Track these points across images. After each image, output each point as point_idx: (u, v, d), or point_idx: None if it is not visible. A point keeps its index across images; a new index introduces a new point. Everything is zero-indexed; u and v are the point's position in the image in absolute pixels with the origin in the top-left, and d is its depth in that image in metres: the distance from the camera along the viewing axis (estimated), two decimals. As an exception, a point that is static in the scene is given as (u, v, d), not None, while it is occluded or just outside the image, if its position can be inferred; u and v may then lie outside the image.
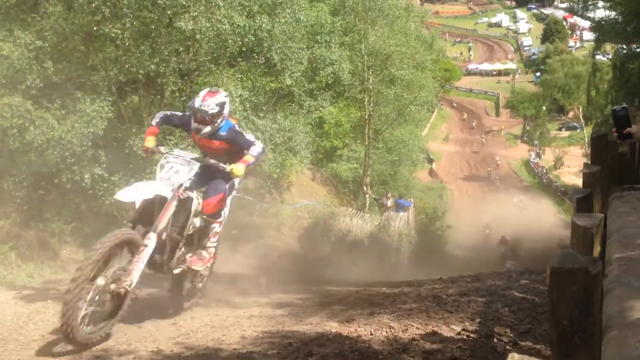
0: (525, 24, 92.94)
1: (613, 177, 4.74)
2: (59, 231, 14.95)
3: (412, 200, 28.77)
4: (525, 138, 62.96)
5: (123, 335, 6.26)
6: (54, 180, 14.87)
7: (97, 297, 5.39)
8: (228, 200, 6.79)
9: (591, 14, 39.15)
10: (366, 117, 27.43)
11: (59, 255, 14.65)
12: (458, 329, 5.67)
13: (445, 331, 5.63)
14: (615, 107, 4.41)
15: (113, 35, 14.79)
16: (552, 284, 2.11)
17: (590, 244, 2.83)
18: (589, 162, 5.05)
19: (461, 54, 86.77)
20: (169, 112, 7.02)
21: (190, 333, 6.26)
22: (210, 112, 6.24)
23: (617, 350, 1.88)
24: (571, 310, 2.08)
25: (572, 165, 51.24)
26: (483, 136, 58.53)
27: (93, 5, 14.39)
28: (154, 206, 5.95)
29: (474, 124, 65.77)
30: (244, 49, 16.68)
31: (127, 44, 14.97)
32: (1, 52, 14.31)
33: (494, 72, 79.86)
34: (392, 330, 5.69)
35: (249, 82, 17.57)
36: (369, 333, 5.64)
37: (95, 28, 14.79)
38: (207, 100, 6.24)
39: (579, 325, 2.06)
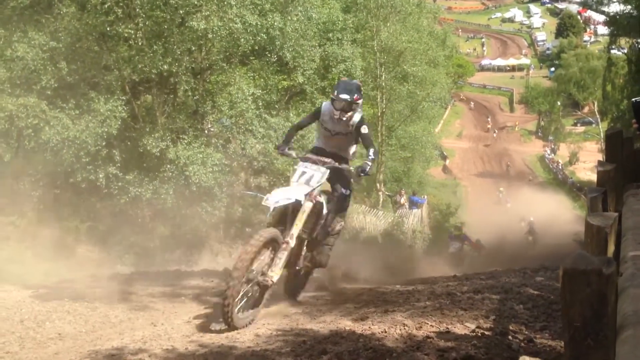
0: (539, 18, 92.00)
1: (628, 174, 4.68)
2: (75, 230, 15.08)
3: (425, 197, 28.69)
4: (539, 134, 62.35)
5: (139, 334, 6.30)
6: (69, 180, 15.00)
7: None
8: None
9: (605, 8, 38.73)
10: (379, 114, 27.33)
11: (75, 254, 14.77)
12: (472, 326, 5.64)
13: (460, 329, 5.60)
14: (635, 99, 4.39)
15: (126, 35, 14.88)
16: (565, 286, 2.07)
17: (604, 244, 2.79)
18: (605, 158, 4.99)
19: (474, 49, 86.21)
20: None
21: (204, 331, 6.28)
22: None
23: (631, 349, 1.85)
24: (584, 312, 2.04)
25: (587, 161, 50.73)
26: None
27: (106, 6, 14.48)
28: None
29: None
30: (256, 48, 16.71)
31: (140, 43, 15.06)
32: (16, 53, 14.45)
33: (508, 68, 79.21)
34: (406, 328, 5.67)
35: (262, 80, 17.59)
36: (383, 331, 5.63)
37: (108, 28, 14.89)
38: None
39: (593, 327, 2.03)
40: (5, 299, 8.27)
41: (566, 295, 2.08)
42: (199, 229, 16.39)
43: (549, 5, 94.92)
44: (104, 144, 15.16)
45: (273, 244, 6.13)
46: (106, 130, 14.90)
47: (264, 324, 6.40)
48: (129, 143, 16.45)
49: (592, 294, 2.03)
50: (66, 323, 7.06)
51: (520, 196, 36.95)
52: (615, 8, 34.22)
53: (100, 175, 15.05)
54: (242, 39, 15.68)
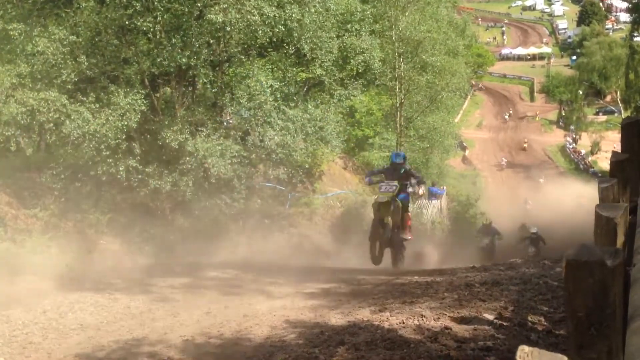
0: (560, 6, 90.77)
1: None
2: (96, 222, 15.25)
3: (444, 187, 28.50)
4: (561, 123, 61.54)
5: (159, 324, 6.38)
6: (90, 173, 15.16)
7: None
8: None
9: (628, -5, 38.07)
10: (397, 104, 27.14)
11: (96, 246, 14.96)
12: (491, 317, 5.61)
13: (478, 320, 5.58)
14: None
15: (145, 28, 14.94)
16: (568, 276, 2.09)
17: (614, 234, 2.77)
18: (621, 148, 4.90)
19: (494, 38, 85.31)
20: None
21: (223, 322, 6.34)
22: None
23: (642, 340, 1.84)
24: (587, 302, 2.06)
25: (609, 150, 50.02)
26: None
27: (125, -1, 14.56)
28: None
29: (508, 115, 62.70)
30: (274, 40, 16.68)
31: (158, 37, 15.13)
32: (37, 48, 14.60)
33: (529, 57, 78.26)
34: (424, 319, 5.66)
35: (280, 72, 17.59)
36: (401, 322, 5.62)
37: (127, 22, 14.97)
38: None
39: (596, 318, 2.04)
40: (28, 290, 8.42)
41: (569, 285, 2.10)
42: (218, 221, 16.49)
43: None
44: (124, 137, 15.28)
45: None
46: (126, 123, 15.01)
47: (282, 315, 6.44)
48: (148, 136, 16.56)
49: (595, 284, 2.04)
50: (88, 314, 7.18)
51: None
52: (638, -5, 33.63)
53: (121, 168, 15.18)
54: (260, 31, 15.66)
